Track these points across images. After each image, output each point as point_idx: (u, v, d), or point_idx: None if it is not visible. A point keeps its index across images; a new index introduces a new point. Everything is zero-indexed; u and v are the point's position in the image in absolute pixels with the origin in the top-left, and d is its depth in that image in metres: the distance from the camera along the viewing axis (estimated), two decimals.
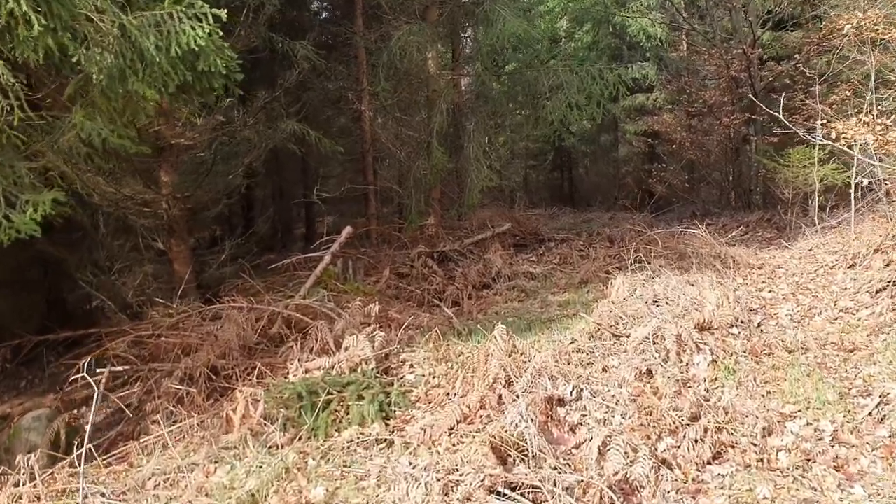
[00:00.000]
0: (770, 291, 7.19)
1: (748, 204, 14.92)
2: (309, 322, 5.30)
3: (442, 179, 10.24)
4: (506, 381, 4.44)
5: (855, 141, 7.88)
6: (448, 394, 4.53)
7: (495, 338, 4.87)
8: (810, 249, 8.99)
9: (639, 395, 4.38)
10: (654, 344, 4.91)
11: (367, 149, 11.63)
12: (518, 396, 4.25)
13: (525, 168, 25.87)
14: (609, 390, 4.42)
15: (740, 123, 14.12)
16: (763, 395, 4.49)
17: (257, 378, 4.83)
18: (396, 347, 4.98)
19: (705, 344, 4.99)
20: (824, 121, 9.88)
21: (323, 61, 8.09)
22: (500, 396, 4.30)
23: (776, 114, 13.02)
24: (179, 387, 4.82)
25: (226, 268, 9.91)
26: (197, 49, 4.08)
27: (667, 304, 6.21)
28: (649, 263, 8.42)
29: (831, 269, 7.49)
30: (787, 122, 12.70)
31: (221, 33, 4.25)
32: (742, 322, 5.53)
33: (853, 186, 8.76)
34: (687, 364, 4.76)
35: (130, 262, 8.00)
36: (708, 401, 4.33)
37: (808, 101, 11.09)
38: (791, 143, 12.71)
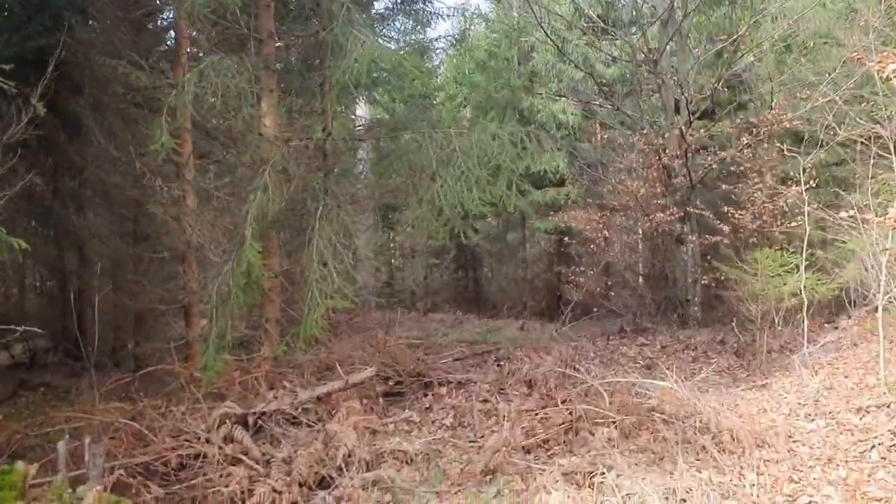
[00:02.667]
0: (810, 497, 4.10)
1: (685, 318, 12.26)
2: None
3: (283, 291, 6.87)
4: None
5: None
6: None
7: None
8: (816, 399, 6.10)
9: None
10: None
11: (188, 244, 8.23)
12: None
13: (427, 266, 23.10)
14: None
15: (674, 220, 11.64)
16: None
17: None
18: None
19: None
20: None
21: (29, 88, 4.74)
22: None
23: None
24: None
25: None
26: None
27: None
28: (592, 435, 5.28)
29: (890, 448, 4.52)
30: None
31: None
32: None
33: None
34: None
35: None
36: None
37: (780, 189, 8.59)
38: (745, 245, 10.26)
